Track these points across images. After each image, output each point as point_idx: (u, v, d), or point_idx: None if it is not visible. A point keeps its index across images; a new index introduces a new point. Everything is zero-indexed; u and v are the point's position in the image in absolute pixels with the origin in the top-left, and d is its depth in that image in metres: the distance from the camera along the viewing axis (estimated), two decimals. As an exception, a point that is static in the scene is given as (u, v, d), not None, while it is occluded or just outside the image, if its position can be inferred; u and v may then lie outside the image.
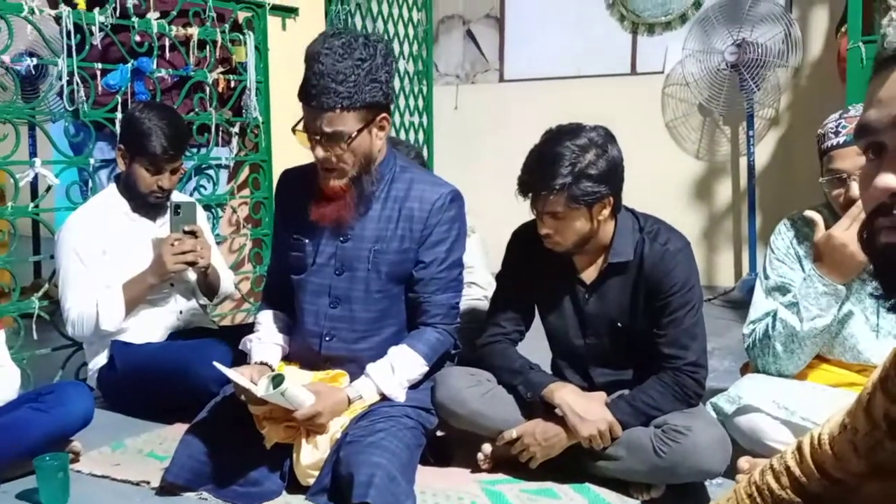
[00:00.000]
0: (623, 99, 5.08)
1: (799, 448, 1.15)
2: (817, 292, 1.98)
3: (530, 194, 2.04)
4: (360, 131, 2.03)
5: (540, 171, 1.99)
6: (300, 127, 2.07)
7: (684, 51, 4.85)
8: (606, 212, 2.05)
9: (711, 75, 4.71)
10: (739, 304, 4.39)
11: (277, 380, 1.94)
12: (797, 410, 1.98)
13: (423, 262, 2.16)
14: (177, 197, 2.83)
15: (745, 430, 2.04)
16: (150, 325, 2.74)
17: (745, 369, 2.33)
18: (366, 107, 2.02)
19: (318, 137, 2.03)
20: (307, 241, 2.20)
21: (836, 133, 1.97)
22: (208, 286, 2.85)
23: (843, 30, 3.38)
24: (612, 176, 2.01)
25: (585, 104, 5.13)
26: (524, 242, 2.22)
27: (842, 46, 3.37)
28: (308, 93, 2.01)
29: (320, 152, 2.05)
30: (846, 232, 1.91)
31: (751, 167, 4.68)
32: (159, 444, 2.43)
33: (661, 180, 4.84)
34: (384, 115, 2.09)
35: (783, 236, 2.17)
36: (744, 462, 1.96)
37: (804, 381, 2.09)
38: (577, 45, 5.36)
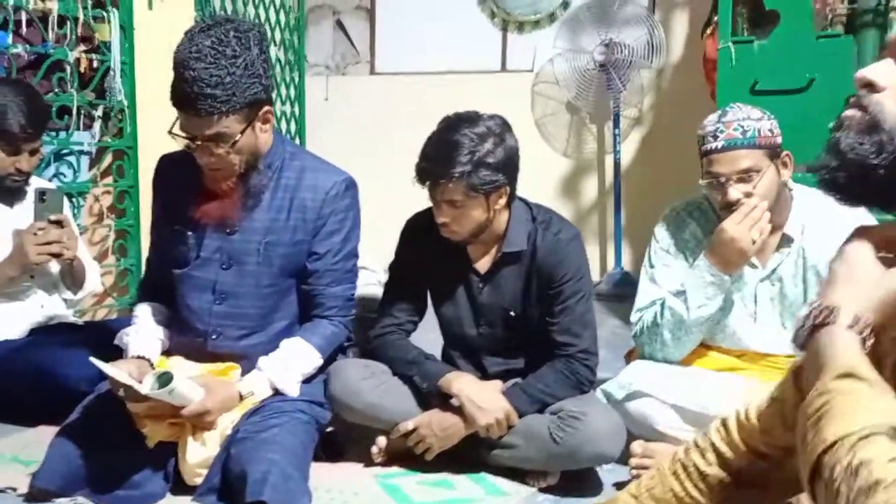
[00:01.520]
0: (493, 96, 5.08)
1: (724, 424, 1.18)
2: (704, 282, 2.06)
3: (428, 182, 2.01)
4: (243, 132, 1.93)
5: (439, 159, 1.97)
6: (177, 129, 1.95)
7: (554, 49, 4.96)
8: (503, 201, 2.05)
9: (580, 74, 4.84)
10: (606, 297, 4.53)
11: (164, 378, 1.83)
12: (685, 395, 2.06)
13: (318, 254, 2.09)
14: (39, 183, 2.63)
15: (635, 415, 2.09)
16: (9, 321, 2.53)
17: (629, 356, 2.40)
18: (247, 105, 1.91)
19: (199, 142, 1.92)
20: (189, 233, 2.08)
21: (715, 137, 2.03)
22: (73, 279, 2.66)
23: (708, 31, 3.54)
24: (509, 165, 2.02)
25: (456, 100, 5.09)
26: (418, 232, 2.20)
27: (708, 47, 3.53)
28: (181, 100, 1.88)
29: (203, 157, 1.95)
30: (737, 226, 1.99)
31: (616, 165, 4.84)
32: (22, 447, 2.25)
33: (529, 177, 4.84)
34: (267, 108, 2.00)
35: (666, 227, 2.24)
36: (637, 446, 2.04)
37: (689, 367, 2.16)
38: (448, 40, 5.37)
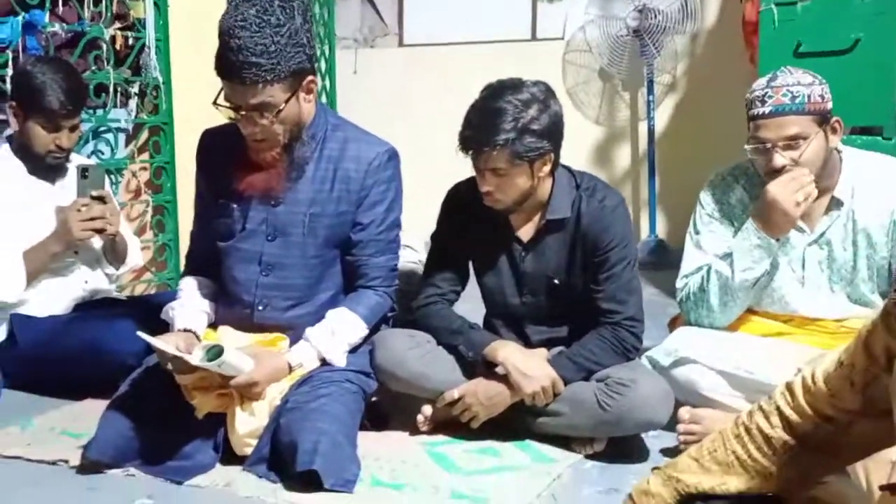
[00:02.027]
0: (523, 65, 5.01)
1: (790, 388, 1.17)
2: (751, 245, 2.03)
3: (471, 151, 2.00)
4: (287, 101, 1.93)
5: (483, 127, 1.95)
6: (221, 100, 1.95)
7: (586, 16, 4.90)
8: (547, 168, 2.03)
9: (612, 41, 4.77)
10: (641, 264, 4.45)
11: (214, 350, 1.84)
12: (732, 360, 2.04)
13: (361, 224, 2.09)
14: (79, 160, 2.65)
15: (682, 381, 2.08)
16: (54, 297, 2.56)
17: (673, 323, 2.38)
18: (291, 75, 1.92)
19: (243, 112, 1.92)
20: (234, 205, 2.09)
21: (763, 101, 1.98)
22: (116, 255, 2.68)
23: (747, -5, 3.48)
24: (554, 131, 2.00)
25: (486, 69, 5.09)
26: (460, 201, 2.19)
27: (748, 10, 3.47)
28: (227, 69, 1.88)
29: (248, 127, 1.95)
30: (782, 189, 1.96)
31: (650, 132, 4.79)
32: (72, 421, 2.28)
33: (562, 145, 4.88)
34: (311, 77, 2.00)
35: (712, 192, 2.21)
36: (684, 412, 2.03)
37: (735, 332, 2.14)
38: (476, 9, 5.32)
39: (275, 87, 1.89)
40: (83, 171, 2.47)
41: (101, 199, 2.48)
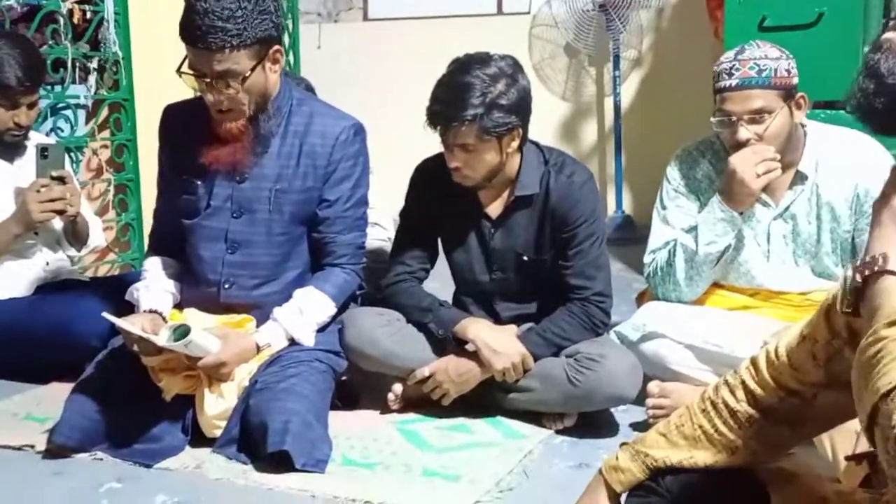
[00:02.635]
0: (490, 39, 4.97)
1: (754, 363, 1.18)
2: (715, 218, 2.05)
3: (439, 126, 1.98)
4: (253, 69, 1.91)
5: (450, 102, 1.94)
6: (185, 68, 1.92)
7: (551, -9, 4.88)
8: (515, 144, 2.02)
9: (578, 15, 4.76)
10: (608, 240, 4.49)
11: (181, 330, 1.82)
12: (700, 334, 2.05)
13: (328, 201, 2.07)
14: (38, 138, 2.59)
15: (650, 355, 2.09)
16: (15, 279, 2.50)
17: (641, 298, 2.40)
18: (257, 42, 1.89)
19: (208, 80, 1.89)
20: (199, 182, 2.05)
21: (730, 74, 1.99)
22: (77, 236, 2.63)
23: (712, -31, 3.48)
24: (522, 106, 1.99)
25: (452, 44, 5.03)
26: (429, 178, 2.17)
27: (712, -15, 3.48)
28: (192, 34, 1.85)
29: (212, 95, 1.91)
30: (741, 161, 1.98)
31: (616, 107, 4.79)
32: (36, 405, 2.25)
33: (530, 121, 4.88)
34: (277, 47, 1.97)
35: (678, 167, 2.22)
36: (653, 387, 2.04)
37: (702, 306, 2.16)
38: (442, -17, 5.28)
39: (241, 54, 1.87)
40: (42, 151, 2.42)
41: (62, 180, 2.43)
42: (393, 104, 5.13)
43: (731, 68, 2.00)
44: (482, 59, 1.98)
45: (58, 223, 2.58)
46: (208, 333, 1.89)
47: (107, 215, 3.41)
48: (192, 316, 2.02)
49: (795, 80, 2.00)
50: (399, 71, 5.22)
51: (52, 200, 2.40)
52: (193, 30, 1.84)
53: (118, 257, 3.45)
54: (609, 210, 4.97)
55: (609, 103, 4.94)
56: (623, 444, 1.27)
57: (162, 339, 1.83)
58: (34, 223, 2.43)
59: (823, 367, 1.09)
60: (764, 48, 2.00)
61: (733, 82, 1.99)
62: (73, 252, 2.69)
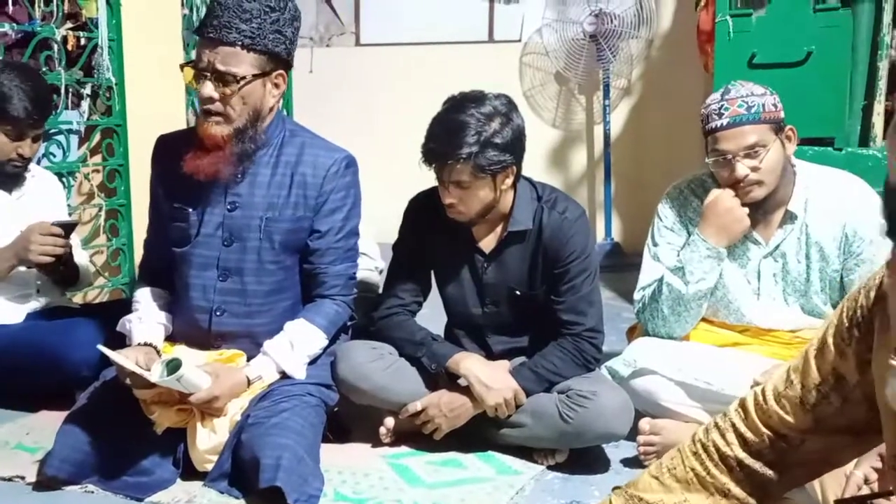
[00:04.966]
0: (481, 66, 5.08)
1: (743, 405, 1.19)
2: (701, 256, 2.08)
3: (434, 163, 2.00)
4: (254, 77, 1.95)
5: (446, 140, 1.96)
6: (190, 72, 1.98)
7: (542, 19, 4.92)
8: (509, 181, 2.04)
9: (569, 44, 4.81)
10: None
11: (173, 364, 1.82)
12: (690, 371, 2.07)
13: (319, 232, 2.08)
14: (38, 170, 2.62)
15: (641, 392, 2.11)
16: (6, 306, 2.49)
17: (631, 332, 2.41)
18: (265, 53, 1.95)
19: (207, 74, 1.93)
20: (190, 209, 2.06)
21: (720, 114, 2.03)
22: (64, 279, 2.61)
23: (702, 3, 3.52)
24: (516, 144, 2.01)
25: (443, 71, 5.13)
26: (422, 211, 2.19)
27: (701, 20, 3.51)
28: (208, 23, 1.93)
29: (207, 90, 1.94)
30: (724, 192, 2.02)
31: (606, 135, 4.83)
32: (26, 434, 2.24)
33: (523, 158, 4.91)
34: (282, 71, 2.01)
35: (670, 204, 2.24)
36: (645, 423, 2.06)
37: (692, 343, 2.18)
38: (434, 10, 5.32)
39: (246, 56, 1.93)
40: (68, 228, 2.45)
41: (66, 230, 2.43)
42: (384, 128, 5.16)
43: (720, 108, 2.03)
44: (477, 98, 2.00)
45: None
46: (200, 370, 1.89)
47: (97, 240, 3.40)
48: (182, 353, 2.02)
49: (782, 114, 2.05)
50: (390, 95, 5.26)
51: (53, 247, 2.39)
52: (211, 20, 1.92)
53: (108, 282, 3.44)
54: (598, 237, 5.00)
55: (599, 131, 4.98)
56: (616, 487, 1.28)
57: (154, 374, 1.83)
58: (30, 262, 2.42)
59: (811, 412, 1.11)
60: (748, 86, 2.05)
61: (724, 122, 2.02)
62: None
